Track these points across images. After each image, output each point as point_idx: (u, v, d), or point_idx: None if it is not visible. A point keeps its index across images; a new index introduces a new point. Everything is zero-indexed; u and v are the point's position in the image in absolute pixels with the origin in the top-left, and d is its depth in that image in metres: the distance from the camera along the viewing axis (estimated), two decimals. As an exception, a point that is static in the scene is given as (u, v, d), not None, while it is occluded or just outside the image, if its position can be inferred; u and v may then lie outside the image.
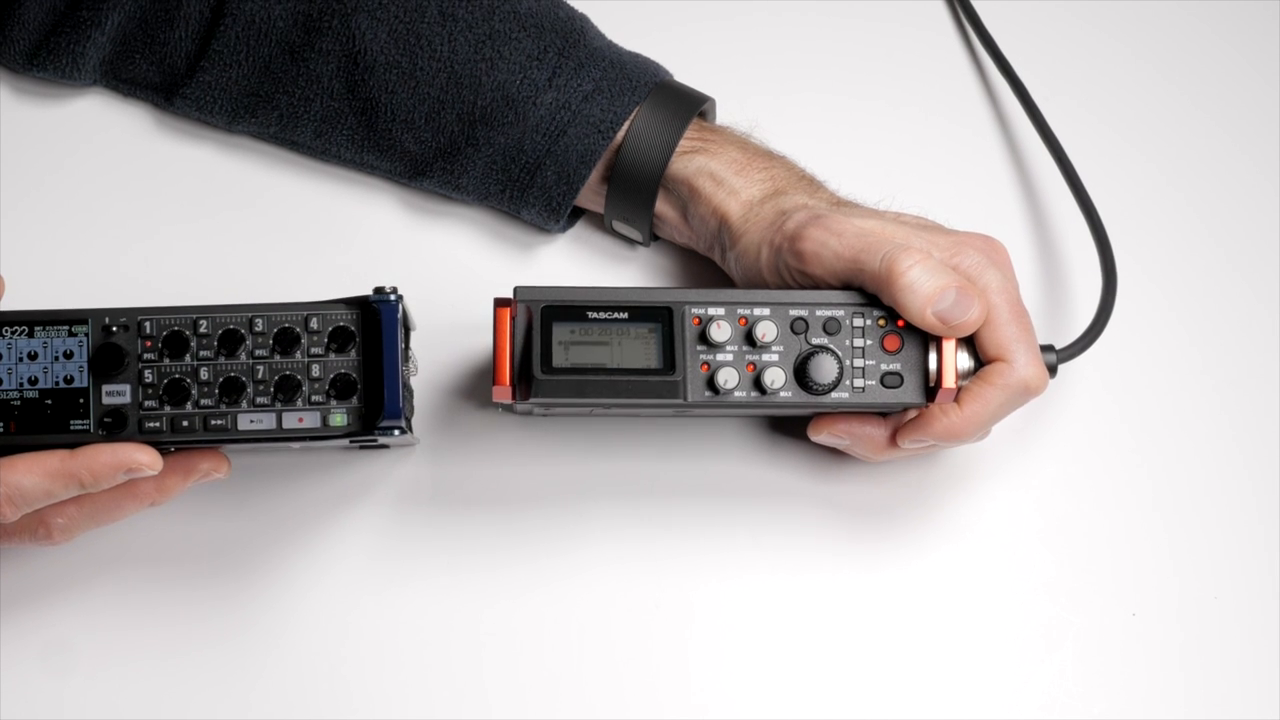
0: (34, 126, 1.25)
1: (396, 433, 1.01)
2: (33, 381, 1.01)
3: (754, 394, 1.05)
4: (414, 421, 1.13)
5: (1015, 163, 1.28)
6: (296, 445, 1.08)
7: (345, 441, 1.07)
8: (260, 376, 1.02)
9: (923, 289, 1.03)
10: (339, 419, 1.02)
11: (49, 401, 1.01)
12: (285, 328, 1.02)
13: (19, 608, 1.12)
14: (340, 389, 1.01)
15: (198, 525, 1.14)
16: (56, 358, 1.02)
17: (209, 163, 1.24)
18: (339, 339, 1.02)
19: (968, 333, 1.05)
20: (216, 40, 1.21)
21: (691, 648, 1.13)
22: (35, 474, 1.01)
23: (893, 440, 1.09)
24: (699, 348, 1.05)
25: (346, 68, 1.19)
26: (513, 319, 1.04)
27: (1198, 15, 1.34)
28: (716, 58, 1.29)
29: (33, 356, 1.02)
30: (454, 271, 1.21)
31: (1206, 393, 1.22)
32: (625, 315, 1.04)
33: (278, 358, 1.02)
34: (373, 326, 1.02)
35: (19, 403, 1.01)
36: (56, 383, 1.02)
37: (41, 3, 1.22)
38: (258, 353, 1.02)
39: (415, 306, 1.09)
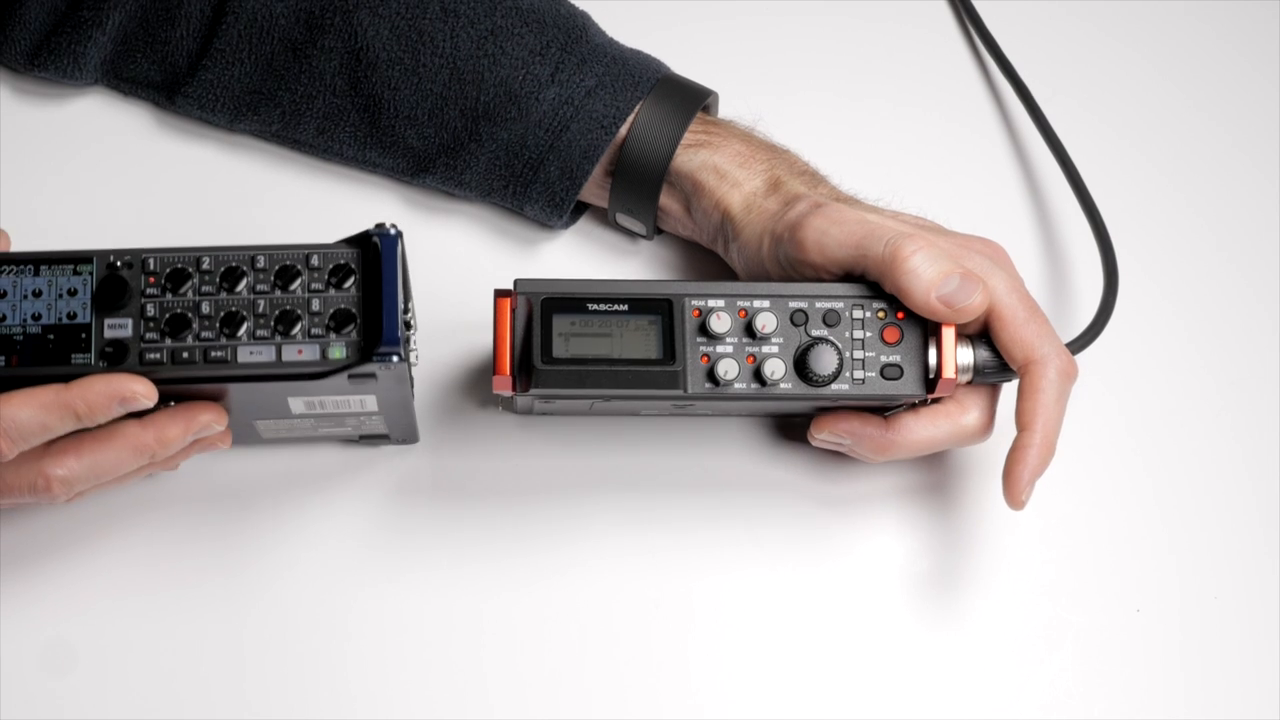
0: (35, 126, 1.25)
1: (394, 359, 1.01)
2: (36, 317, 1.02)
3: (754, 385, 1.05)
4: (413, 430, 1.14)
5: (1017, 162, 1.29)
6: (299, 412, 1.07)
7: (348, 429, 1.07)
8: (260, 310, 1.02)
9: (927, 274, 1.03)
10: (338, 351, 1.02)
11: (51, 336, 1.02)
12: (286, 265, 1.02)
13: (19, 608, 1.12)
14: (339, 322, 1.02)
15: (198, 524, 1.14)
16: (60, 295, 1.02)
17: (211, 162, 1.25)
18: (338, 275, 1.02)
19: (970, 319, 1.05)
20: (218, 38, 1.21)
21: (691, 644, 1.13)
22: (30, 407, 0.99)
23: (1009, 493, 1.08)
24: (699, 339, 1.05)
25: (349, 64, 1.20)
26: (513, 310, 1.04)
27: (1198, 15, 1.35)
28: (717, 57, 1.30)
29: (37, 294, 1.02)
30: (456, 269, 1.21)
31: (1206, 392, 1.22)
32: (625, 307, 1.04)
33: (278, 293, 1.02)
34: (372, 263, 1.02)
35: (21, 338, 1.02)
36: (59, 319, 1.02)
37: (42, 2, 1.22)
38: (258, 288, 1.02)
39: (417, 306, 1.09)
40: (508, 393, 1.04)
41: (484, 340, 1.09)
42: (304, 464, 1.16)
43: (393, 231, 1.02)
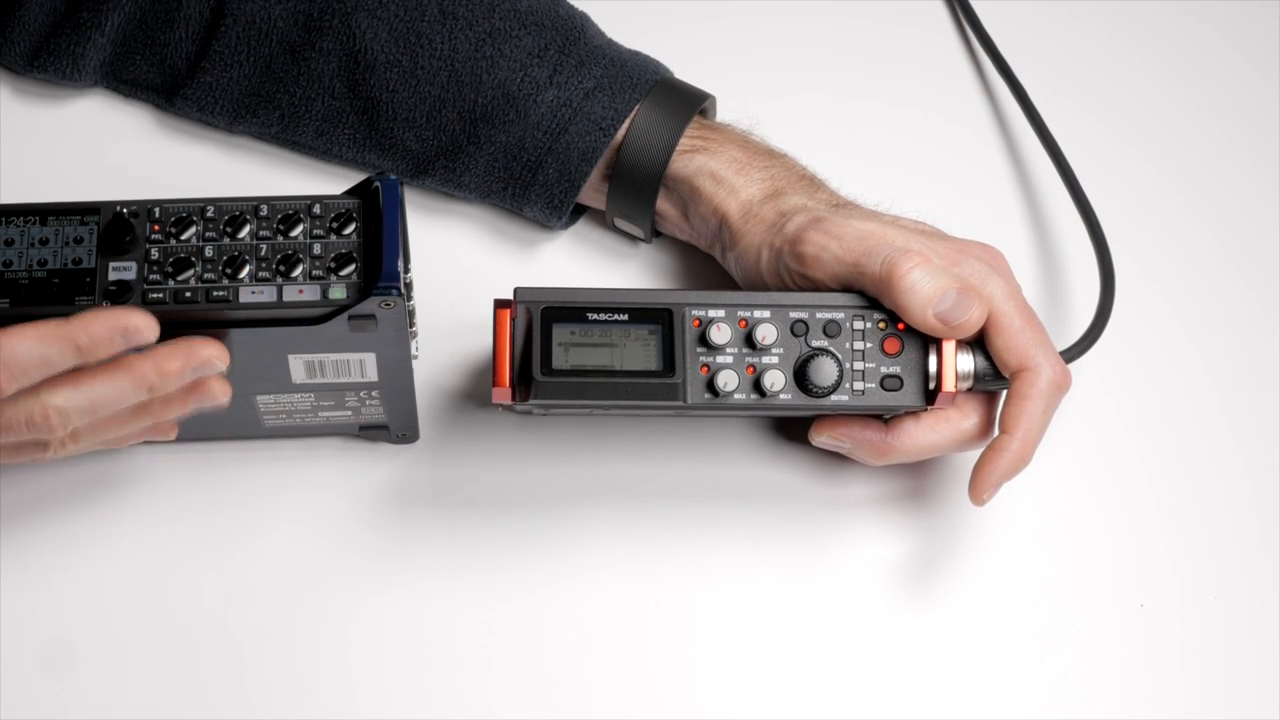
0: (34, 127, 1.25)
1: (394, 293, 1.01)
2: (42, 263, 1.03)
3: (754, 396, 1.05)
4: (412, 421, 1.14)
5: (1014, 163, 1.29)
6: (301, 372, 1.07)
7: (348, 417, 1.07)
8: (262, 254, 1.03)
9: (923, 290, 1.03)
10: (338, 291, 1.03)
11: (56, 280, 1.02)
12: (289, 213, 1.04)
13: (19, 608, 1.12)
14: (339, 264, 1.02)
15: (198, 524, 1.14)
16: (67, 243, 1.03)
17: (210, 163, 1.25)
18: (340, 221, 1.04)
19: (968, 334, 1.05)
20: (217, 41, 1.21)
21: (692, 649, 1.13)
22: (31, 339, 0.98)
23: (973, 490, 1.09)
24: (699, 350, 1.05)
25: (347, 67, 1.19)
26: (513, 320, 1.04)
27: (1198, 15, 1.34)
28: (716, 58, 1.29)
29: (44, 241, 1.03)
30: (455, 270, 1.21)
31: (1206, 393, 1.22)
32: (625, 317, 1.04)
33: (280, 238, 1.03)
34: (373, 209, 1.04)
35: (27, 282, 1.02)
36: (65, 264, 1.02)
37: (42, 4, 1.22)
38: (261, 233, 1.04)
39: (416, 306, 1.09)
40: (507, 403, 1.04)
41: (484, 341, 1.09)
42: (304, 465, 1.16)
43: (393, 178, 1.04)
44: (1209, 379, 1.23)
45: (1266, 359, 1.23)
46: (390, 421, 1.14)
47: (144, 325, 0.99)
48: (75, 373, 1.01)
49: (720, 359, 1.05)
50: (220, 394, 1.05)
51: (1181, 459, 1.20)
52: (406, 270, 1.05)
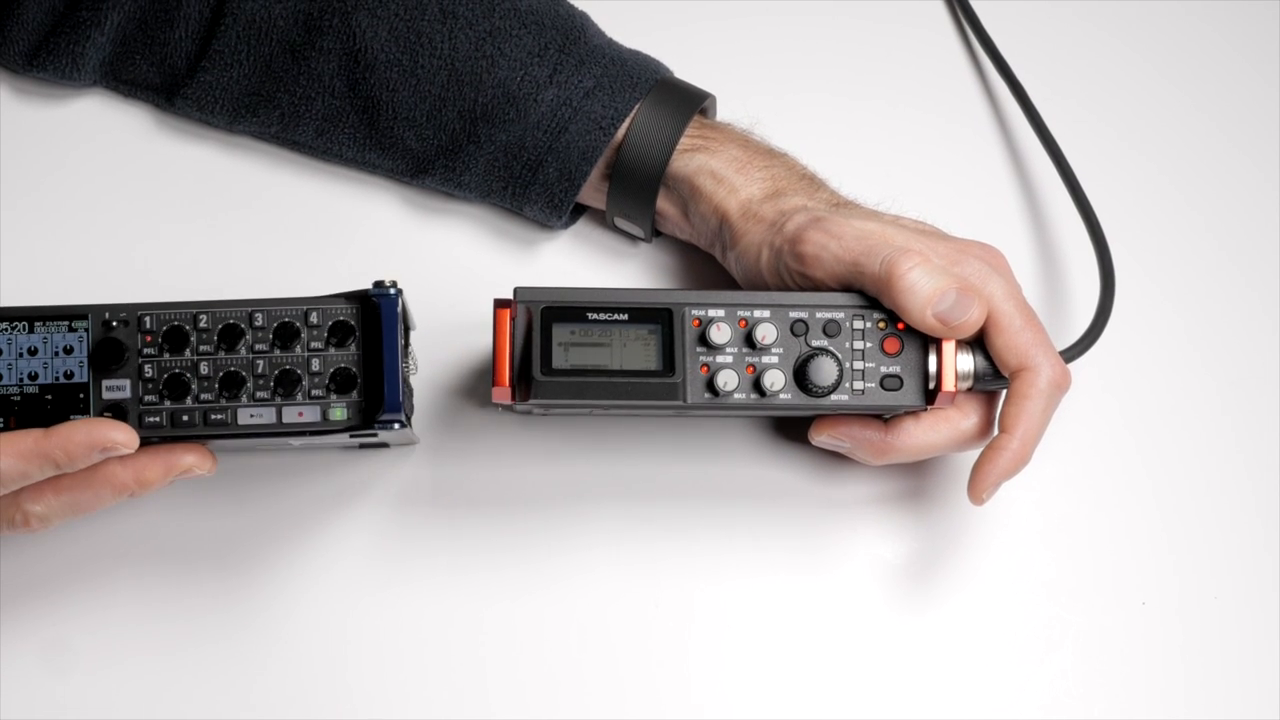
0: (34, 127, 1.25)
1: (396, 426, 1.01)
2: (33, 377, 1.02)
3: (754, 396, 1.05)
4: (414, 421, 1.13)
5: (1014, 163, 1.29)
6: (297, 443, 1.08)
7: (346, 438, 1.07)
8: (260, 371, 1.02)
9: (923, 290, 1.03)
10: (339, 413, 1.02)
11: (49, 397, 1.02)
12: (285, 322, 1.02)
13: (19, 608, 1.12)
14: (340, 383, 1.01)
15: (198, 525, 1.14)
16: (56, 353, 1.02)
17: (210, 163, 1.24)
18: (339, 333, 1.02)
19: (968, 334, 1.05)
20: (217, 40, 1.21)
21: (691, 648, 1.13)
22: (9, 455, 0.99)
23: (972, 490, 1.09)
24: (699, 349, 1.05)
25: (347, 66, 1.19)
26: (512, 320, 1.04)
27: (1198, 15, 1.34)
28: (716, 57, 1.29)
29: (33, 352, 1.02)
30: (455, 270, 1.21)
31: (1206, 393, 1.22)
32: (625, 317, 1.04)
33: (277, 352, 1.02)
34: (372, 321, 1.02)
35: (19, 398, 1.02)
36: (57, 378, 1.02)
37: (41, 3, 1.22)
38: (257, 347, 1.02)
39: (416, 306, 1.09)
40: (507, 403, 1.04)
41: (483, 341, 1.09)
42: (304, 468, 1.16)
43: (392, 291, 1.03)
44: (1209, 379, 1.23)
45: (1266, 359, 1.23)
46: (389, 440, 1.14)
47: (122, 440, 1.00)
48: (55, 480, 1.03)
49: (720, 359, 1.05)
50: (206, 473, 1.07)
51: (1181, 459, 1.20)
52: (407, 361, 1.05)
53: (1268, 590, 1.17)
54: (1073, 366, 1.10)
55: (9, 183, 1.23)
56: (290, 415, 1.02)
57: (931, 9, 1.34)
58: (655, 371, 1.04)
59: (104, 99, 1.26)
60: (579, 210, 1.24)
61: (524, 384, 1.03)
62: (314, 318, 1.02)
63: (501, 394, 1.03)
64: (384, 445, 1.14)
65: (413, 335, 1.09)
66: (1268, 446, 1.21)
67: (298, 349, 1.02)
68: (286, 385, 1.01)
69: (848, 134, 1.28)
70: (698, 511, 1.16)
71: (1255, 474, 1.20)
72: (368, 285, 1.04)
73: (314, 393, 1.02)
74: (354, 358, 1.02)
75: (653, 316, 1.04)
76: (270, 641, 1.12)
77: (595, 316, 1.04)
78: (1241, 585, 1.17)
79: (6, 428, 1.01)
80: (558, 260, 1.23)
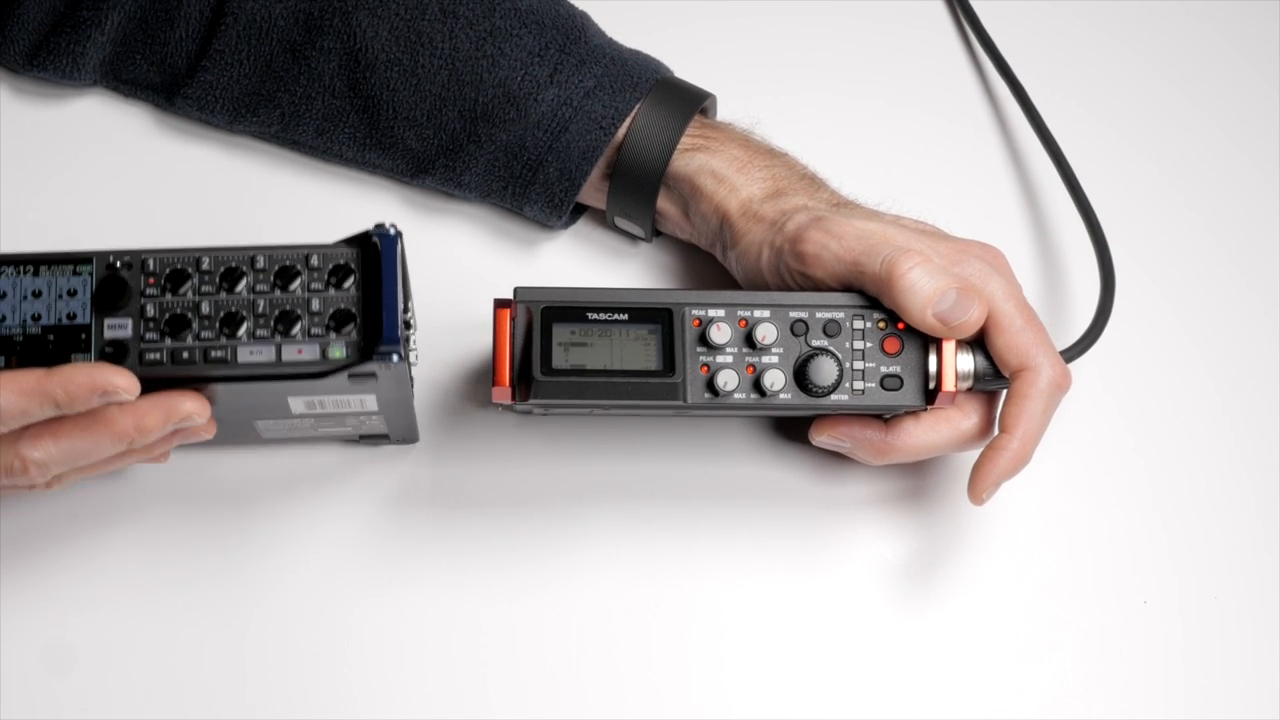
0: (34, 126, 1.25)
1: (394, 358, 1.01)
2: (36, 318, 1.02)
3: (754, 396, 1.05)
4: (412, 427, 1.14)
5: (1014, 163, 1.29)
6: (298, 404, 1.07)
7: (348, 429, 1.07)
8: (260, 310, 1.02)
9: (923, 290, 1.03)
10: (337, 351, 1.02)
11: (51, 337, 1.02)
12: (285, 265, 1.02)
13: (19, 608, 1.12)
14: (339, 321, 1.02)
15: (197, 524, 1.14)
16: (60, 295, 1.02)
17: (210, 163, 1.24)
18: (338, 274, 1.02)
19: (968, 334, 1.05)
20: (217, 40, 1.21)
21: (691, 648, 1.13)
22: (10, 391, 0.99)
23: (972, 490, 1.09)
24: (699, 349, 1.05)
25: (348, 66, 1.19)
26: (513, 320, 1.04)
27: (1198, 15, 1.34)
28: (716, 57, 1.29)
29: (37, 294, 1.02)
30: (456, 270, 1.21)
31: (1206, 393, 1.22)
32: (625, 316, 1.04)
33: (278, 293, 1.02)
34: (372, 262, 1.02)
35: (21, 338, 1.02)
36: (59, 319, 1.02)
37: (41, 3, 1.22)
38: (258, 288, 1.02)
39: (416, 306, 1.09)
40: (507, 402, 1.04)
41: (484, 341, 1.09)
42: (304, 466, 1.16)
43: (392, 231, 1.02)
44: (1209, 379, 1.23)
45: (1266, 359, 1.23)
46: (390, 431, 1.14)
47: (123, 385, 1.00)
48: (55, 424, 1.02)
49: (720, 358, 1.05)
50: (205, 433, 1.06)
51: (1182, 459, 1.20)
52: (407, 310, 1.05)
53: (1268, 590, 1.16)
54: (1073, 366, 1.10)
55: (9, 183, 1.23)
56: (290, 353, 1.02)
57: (931, 9, 1.34)
58: (655, 371, 1.04)
59: (104, 99, 1.26)
60: (579, 210, 1.24)
61: (524, 384, 1.03)
62: (314, 260, 1.02)
63: (501, 394, 1.03)
64: (384, 438, 1.15)
65: (413, 335, 1.09)
66: (1268, 446, 1.21)
67: (297, 289, 1.02)
68: (286, 323, 1.01)
69: (848, 134, 1.28)
70: (698, 511, 1.16)
71: (1255, 474, 1.20)
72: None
73: (313, 331, 1.02)
74: (353, 298, 1.02)
75: (653, 316, 1.04)
76: (269, 639, 1.12)
77: (595, 316, 1.04)
78: (1241, 585, 1.17)
79: (8, 366, 1.01)
80: (558, 260, 1.23)
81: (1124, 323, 1.19)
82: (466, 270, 1.22)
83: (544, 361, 1.03)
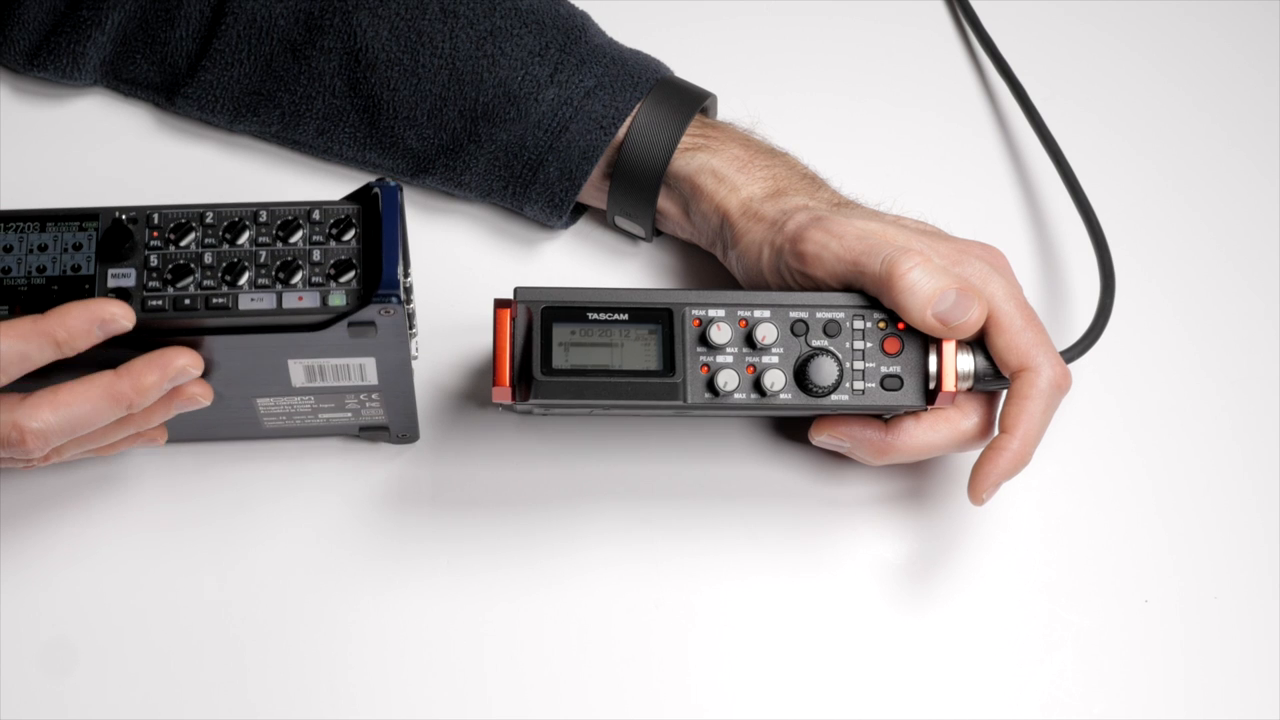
0: (34, 126, 1.25)
1: (394, 301, 1.01)
2: (41, 270, 1.02)
3: (754, 396, 1.05)
4: (413, 421, 1.14)
5: (1014, 163, 1.29)
6: (301, 377, 1.07)
7: (349, 416, 1.07)
8: (262, 260, 1.03)
9: (923, 290, 1.03)
10: (338, 298, 1.02)
11: (55, 288, 1.02)
12: (288, 219, 1.04)
13: (19, 607, 1.12)
14: (339, 270, 1.02)
15: (198, 524, 1.14)
16: (66, 249, 1.03)
17: (210, 162, 1.25)
18: (340, 227, 1.04)
19: (968, 334, 1.05)
20: (218, 39, 1.21)
21: (692, 648, 1.13)
22: (8, 336, 0.98)
23: (972, 490, 1.09)
24: (699, 349, 1.05)
25: (348, 65, 1.19)
26: (513, 320, 1.04)
27: (1198, 15, 1.35)
28: (716, 57, 1.30)
29: (43, 248, 1.03)
30: (456, 270, 1.21)
31: (1206, 393, 1.22)
32: (625, 316, 1.04)
33: (279, 244, 1.03)
34: (372, 215, 1.04)
35: (26, 288, 1.02)
36: (64, 271, 1.02)
37: (41, 3, 1.22)
38: (260, 240, 1.03)
39: (417, 307, 1.09)
40: (507, 402, 1.04)
41: (484, 341, 1.09)
42: (304, 464, 1.16)
43: (392, 184, 1.04)
44: (1209, 379, 1.23)
45: (1266, 359, 1.23)
46: (390, 422, 1.14)
47: (120, 313, 1.00)
48: (52, 392, 1.01)
49: (720, 358, 1.05)
50: (201, 397, 1.06)
51: (1182, 459, 1.20)
52: (406, 274, 1.05)
53: (1268, 590, 1.16)
54: (1073, 366, 1.10)
55: (9, 183, 1.23)
56: (290, 300, 1.03)
57: (931, 9, 1.34)
58: (655, 371, 1.04)
59: (104, 99, 1.26)
60: (579, 210, 1.24)
61: (524, 384, 1.03)
62: (316, 215, 1.04)
63: (501, 394, 1.03)
64: (383, 429, 1.14)
65: (413, 335, 1.09)
66: (1268, 446, 1.20)
67: (299, 241, 1.03)
68: (287, 272, 1.02)
69: (848, 134, 1.29)
70: (698, 511, 1.16)
71: (1255, 474, 1.20)
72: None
73: (314, 280, 1.03)
74: (354, 250, 1.03)
75: (653, 316, 1.04)
76: (270, 640, 1.12)
77: (595, 316, 1.04)
78: (1241, 585, 1.17)
79: (11, 314, 1.01)
80: (558, 260, 1.23)
81: (1124, 323, 1.19)
82: (466, 270, 1.22)
83: (544, 361, 1.03)
